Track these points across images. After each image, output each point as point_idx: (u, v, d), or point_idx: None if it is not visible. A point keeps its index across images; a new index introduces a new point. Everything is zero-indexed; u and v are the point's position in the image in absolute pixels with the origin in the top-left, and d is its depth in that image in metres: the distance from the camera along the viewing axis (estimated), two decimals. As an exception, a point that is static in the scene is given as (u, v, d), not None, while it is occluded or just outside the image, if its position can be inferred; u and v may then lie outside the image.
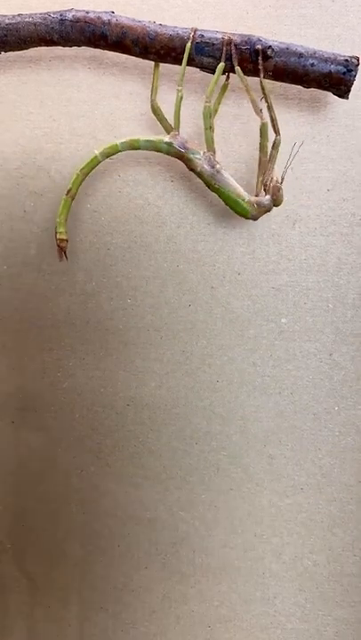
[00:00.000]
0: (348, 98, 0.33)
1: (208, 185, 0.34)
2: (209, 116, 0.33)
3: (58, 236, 0.35)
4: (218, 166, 0.34)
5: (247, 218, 0.34)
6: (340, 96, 0.33)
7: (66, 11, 0.33)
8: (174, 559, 0.38)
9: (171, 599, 0.39)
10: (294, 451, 0.37)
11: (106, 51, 0.34)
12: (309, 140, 0.36)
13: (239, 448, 0.38)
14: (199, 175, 0.34)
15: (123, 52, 0.34)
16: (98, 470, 0.39)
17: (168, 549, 0.38)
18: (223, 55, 0.32)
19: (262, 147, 0.33)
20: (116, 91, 0.36)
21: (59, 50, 0.36)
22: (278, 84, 0.34)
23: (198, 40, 0.32)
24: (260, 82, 0.32)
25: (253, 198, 0.34)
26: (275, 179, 0.34)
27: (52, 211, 0.37)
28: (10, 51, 0.35)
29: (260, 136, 0.33)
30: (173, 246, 0.37)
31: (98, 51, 0.35)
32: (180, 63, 0.33)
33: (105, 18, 0.33)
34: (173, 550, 0.38)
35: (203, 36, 0.32)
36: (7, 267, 0.38)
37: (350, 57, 0.32)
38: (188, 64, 0.33)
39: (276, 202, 0.34)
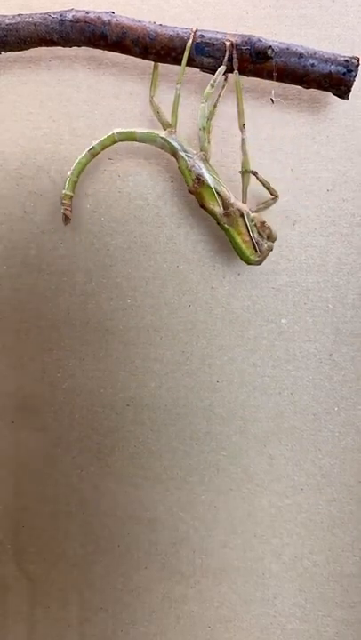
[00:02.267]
0: (348, 98, 0.33)
1: (217, 222, 0.35)
2: (204, 116, 0.33)
3: (63, 194, 0.35)
4: (207, 167, 0.34)
5: (250, 263, 0.35)
6: (340, 96, 0.33)
7: (66, 11, 0.33)
8: (174, 559, 0.38)
9: (171, 599, 0.39)
10: (294, 451, 0.37)
11: (106, 51, 0.34)
12: (309, 141, 0.36)
13: (239, 448, 0.38)
14: (211, 212, 0.35)
15: (123, 53, 0.34)
16: (98, 470, 0.39)
17: (168, 550, 0.38)
18: (225, 57, 0.32)
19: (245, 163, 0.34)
20: (116, 91, 0.36)
21: (59, 50, 0.36)
22: (278, 84, 0.34)
23: (198, 40, 0.32)
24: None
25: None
26: (258, 220, 0.34)
27: (52, 211, 0.37)
28: (10, 51, 0.35)
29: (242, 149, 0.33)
30: (173, 247, 0.37)
31: (97, 51, 0.35)
32: (180, 63, 0.33)
33: (105, 18, 0.33)
34: (173, 550, 0.38)
35: (203, 36, 0.32)
36: (7, 267, 0.38)
37: (350, 57, 0.32)
38: (188, 64, 0.33)
39: (271, 239, 0.34)
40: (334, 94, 0.33)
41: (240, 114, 0.33)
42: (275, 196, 0.34)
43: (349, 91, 0.33)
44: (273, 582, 0.38)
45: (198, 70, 0.33)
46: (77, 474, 0.39)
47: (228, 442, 0.38)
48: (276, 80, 0.33)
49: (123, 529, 0.39)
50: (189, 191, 0.34)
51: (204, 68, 0.33)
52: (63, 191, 0.35)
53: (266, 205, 0.34)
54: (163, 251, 0.37)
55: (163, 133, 0.34)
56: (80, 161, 0.34)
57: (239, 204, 0.34)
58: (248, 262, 0.35)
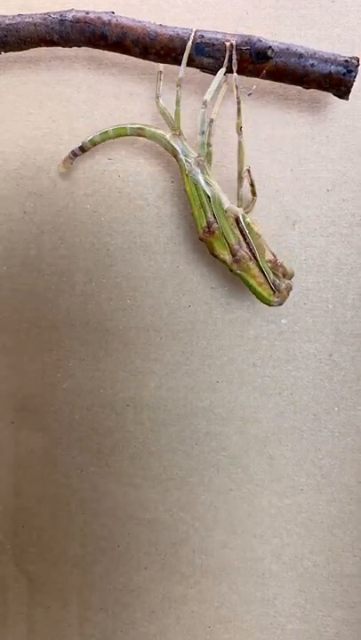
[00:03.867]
0: (348, 98, 0.33)
1: (230, 270, 0.35)
2: (204, 121, 0.33)
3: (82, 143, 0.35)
4: (204, 173, 0.34)
5: (271, 305, 0.35)
6: (340, 97, 0.33)
7: (66, 11, 0.33)
8: (174, 560, 0.38)
9: (170, 600, 0.39)
10: (294, 451, 0.37)
11: (105, 51, 0.34)
12: (309, 141, 0.36)
13: (239, 449, 0.38)
14: (222, 261, 0.35)
15: (123, 53, 0.33)
16: (97, 471, 0.39)
17: (168, 550, 0.38)
18: (225, 59, 0.32)
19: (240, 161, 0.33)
20: (116, 91, 0.36)
21: (58, 50, 0.36)
22: (278, 84, 0.34)
23: (198, 40, 0.32)
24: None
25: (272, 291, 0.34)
26: (272, 259, 0.34)
27: (52, 212, 0.37)
28: (10, 51, 0.35)
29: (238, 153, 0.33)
30: (173, 247, 0.37)
31: (97, 51, 0.35)
32: (179, 63, 0.33)
33: (105, 18, 0.33)
34: (173, 551, 0.38)
35: (203, 36, 0.32)
36: (7, 267, 0.38)
37: (350, 57, 0.32)
38: (189, 65, 0.33)
39: (287, 276, 0.34)
40: (334, 95, 0.33)
41: (238, 117, 0.33)
42: (254, 197, 0.34)
43: (349, 91, 0.33)
44: (273, 582, 0.38)
45: (198, 70, 0.33)
46: (77, 474, 0.39)
47: (228, 442, 0.38)
48: (277, 80, 0.33)
49: (123, 529, 0.39)
50: (200, 238, 0.35)
51: (204, 69, 0.33)
52: (82, 142, 0.35)
53: (250, 206, 0.34)
54: (163, 251, 0.37)
55: (168, 135, 0.34)
56: (105, 131, 0.35)
57: (240, 222, 0.34)
58: (269, 304, 0.34)
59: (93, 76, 0.36)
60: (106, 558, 0.39)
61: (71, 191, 0.37)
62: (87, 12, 0.33)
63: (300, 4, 0.35)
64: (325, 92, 0.34)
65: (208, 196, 0.34)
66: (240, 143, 0.33)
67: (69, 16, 0.33)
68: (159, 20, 0.33)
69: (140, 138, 0.35)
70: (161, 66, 0.34)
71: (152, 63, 0.34)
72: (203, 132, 0.33)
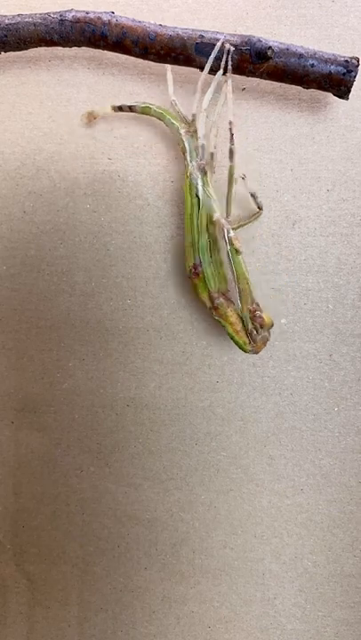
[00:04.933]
0: (348, 98, 0.33)
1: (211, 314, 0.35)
2: (203, 126, 0.33)
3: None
4: (203, 180, 0.34)
5: (246, 352, 0.35)
6: (340, 97, 0.33)
7: (66, 11, 0.33)
8: (174, 560, 0.38)
9: (170, 600, 0.39)
10: (294, 451, 0.37)
11: (105, 51, 0.34)
12: (309, 141, 0.36)
13: (239, 449, 0.38)
14: (203, 304, 0.35)
15: (123, 53, 0.33)
16: (97, 471, 0.39)
17: (168, 550, 0.38)
18: (223, 62, 0.32)
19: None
20: (116, 91, 0.36)
21: (58, 50, 0.36)
22: (278, 84, 0.34)
23: (198, 41, 0.32)
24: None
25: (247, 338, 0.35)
26: (252, 308, 0.34)
27: (52, 211, 0.37)
28: (10, 51, 0.35)
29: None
30: (173, 247, 0.37)
31: (97, 51, 0.35)
32: (179, 63, 0.33)
33: (105, 18, 0.33)
34: (173, 551, 0.38)
35: (203, 36, 0.32)
36: (6, 267, 0.38)
37: (350, 58, 0.32)
38: (188, 65, 0.33)
39: (265, 327, 0.34)
40: (334, 95, 0.33)
41: (231, 122, 0.33)
42: (259, 209, 0.34)
43: (349, 91, 0.33)
44: (273, 582, 0.38)
45: (198, 70, 0.33)
46: (77, 474, 0.39)
47: (228, 442, 0.38)
48: (277, 80, 0.33)
49: (122, 529, 0.39)
50: (188, 276, 0.35)
51: (203, 69, 0.33)
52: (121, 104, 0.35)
53: (251, 219, 0.34)
54: (163, 251, 0.37)
55: (183, 130, 0.34)
56: (135, 103, 0.35)
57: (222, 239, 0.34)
58: (244, 351, 0.35)
59: (93, 75, 0.36)
60: (106, 558, 0.39)
61: (71, 191, 0.37)
62: (87, 12, 0.33)
63: (299, 4, 0.35)
64: (325, 92, 0.34)
65: (199, 203, 0.34)
66: (231, 151, 0.33)
67: (69, 16, 0.33)
68: (159, 20, 0.33)
69: (142, 136, 0.36)
70: (168, 67, 0.34)
71: (152, 63, 0.34)
72: (203, 138, 0.33)
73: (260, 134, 0.36)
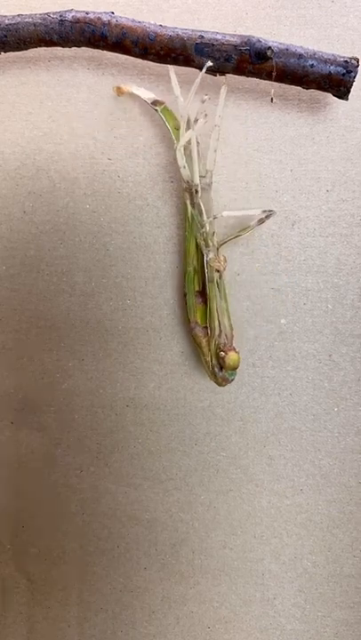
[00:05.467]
0: (347, 99, 0.33)
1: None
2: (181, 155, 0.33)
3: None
4: (192, 203, 0.34)
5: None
6: (339, 97, 0.33)
7: (65, 11, 0.33)
8: (174, 560, 0.38)
9: (170, 600, 0.39)
10: (294, 451, 0.37)
11: (105, 51, 0.34)
12: (309, 141, 0.36)
13: (238, 449, 0.38)
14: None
15: (123, 53, 0.33)
16: (97, 471, 0.39)
17: (167, 550, 0.38)
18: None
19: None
20: (114, 93, 0.36)
21: (58, 50, 0.36)
22: (278, 84, 0.34)
23: (198, 41, 0.32)
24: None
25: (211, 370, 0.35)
26: (222, 344, 0.34)
27: (52, 211, 0.37)
28: (9, 51, 0.35)
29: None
30: (173, 247, 0.37)
31: (97, 51, 0.35)
32: (179, 64, 0.33)
33: (105, 18, 0.33)
34: (173, 551, 0.38)
35: (202, 37, 0.32)
36: (6, 267, 0.38)
37: (350, 58, 0.32)
38: (188, 65, 0.33)
39: (225, 368, 0.34)
40: (334, 95, 0.33)
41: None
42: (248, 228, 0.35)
43: (349, 91, 0.32)
44: (273, 583, 0.38)
45: (198, 71, 0.33)
46: (77, 474, 0.39)
47: (227, 442, 0.38)
48: (276, 81, 0.33)
49: (122, 529, 0.39)
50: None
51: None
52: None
53: (234, 236, 0.35)
54: (162, 251, 0.37)
55: (181, 143, 0.33)
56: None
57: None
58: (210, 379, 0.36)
59: (93, 76, 0.36)
60: (105, 558, 0.39)
61: (71, 191, 0.37)
62: (87, 13, 0.33)
63: (299, 5, 0.35)
64: (325, 93, 0.34)
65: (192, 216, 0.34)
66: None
67: (69, 16, 0.33)
68: (159, 20, 0.33)
69: (142, 136, 0.36)
70: (171, 67, 0.34)
71: (151, 63, 0.34)
72: (184, 161, 0.33)
73: (259, 135, 0.36)
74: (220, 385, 0.35)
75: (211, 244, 0.34)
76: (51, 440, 0.39)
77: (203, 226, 0.34)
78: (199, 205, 0.34)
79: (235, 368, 0.34)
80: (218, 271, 0.34)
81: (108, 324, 0.38)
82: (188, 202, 0.34)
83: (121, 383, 0.38)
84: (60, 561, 0.39)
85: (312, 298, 0.36)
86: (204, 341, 0.35)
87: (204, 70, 0.32)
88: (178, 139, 0.34)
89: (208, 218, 0.34)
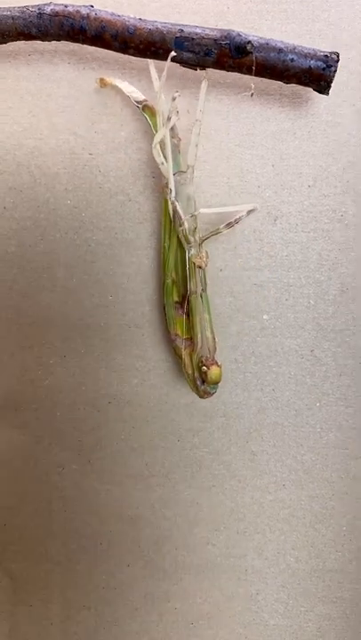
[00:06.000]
0: (328, 94, 0.33)
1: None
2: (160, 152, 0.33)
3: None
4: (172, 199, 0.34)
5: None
6: (320, 92, 0.33)
7: (44, 4, 0.33)
8: (157, 557, 0.38)
9: (153, 597, 0.39)
10: (276, 447, 0.37)
11: (86, 45, 0.34)
12: (291, 136, 0.35)
13: (221, 445, 0.37)
14: None
15: (102, 47, 0.33)
16: (79, 468, 0.38)
17: (150, 547, 0.38)
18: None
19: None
20: (97, 86, 0.36)
21: (38, 44, 0.35)
22: (259, 79, 0.34)
23: (178, 35, 0.32)
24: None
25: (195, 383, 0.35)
26: (204, 358, 0.34)
27: (32, 207, 0.37)
28: (-12, 45, 0.34)
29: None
30: (155, 243, 0.37)
31: (78, 45, 0.35)
32: (159, 58, 0.33)
33: (84, 12, 0.32)
34: (156, 548, 0.38)
35: (182, 30, 0.32)
36: (-13, 263, 0.38)
37: (330, 52, 0.32)
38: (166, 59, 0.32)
39: (207, 382, 0.34)
40: (314, 90, 0.33)
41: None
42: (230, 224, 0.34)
43: (329, 86, 0.32)
44: (256, 578, 0.38)
45: (178, 65, 0.33)
46: (59, 472, 0.39)
47: (210, 438, 0.38)
48: (257, 75, 0.33)
49: (105, 527, 0.38)
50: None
51: (183, 63, 0.33)
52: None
53: (213, 233, 0.34)
54: (145, 247, 0.37)
55: (159, 135, 0.33)
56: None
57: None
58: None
59: (74, 70, 0.36)
60: (88, 556, 0.39)
61: (52, 186, 0.37)
62: (66, 6, 0.32)
63: (280, -1, 0.35)
64: (306, 88, 0.34)
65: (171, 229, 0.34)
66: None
67: (48, 9, 0.32)
68: (139, 14, 0.33)
69: (124, 131, 0.36)
70: (151, 63, 0.33)
71: (133, 58, 0.34)
72: (162, 163, 0.33)
73: (241, 130, 0.35)
74: (201, 397, 0.35)
75: (192, 240, 0.34)
76: (32, 438, 0.38)
77: (181, 224, 0.34)
78: (174, 203, 0.34)
79: (217, 382, 0.34)
80: (200, 267, 0.34)
81: (90, 321, 0.37)
82: (169, 198, 0.34)
83: (103, 380, 0.38)
84: (43, 559, 0.39)
85: (294, 293, 0.36)
86: (185, 353, 0.35)
87: (168, 61, 0.32)
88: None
89: (186, 215, 0.34)
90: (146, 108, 0.35)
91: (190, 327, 0.35)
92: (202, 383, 0.34)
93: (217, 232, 0.34)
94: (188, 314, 0.35)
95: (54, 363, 0.38)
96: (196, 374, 0.34)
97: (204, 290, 0.34)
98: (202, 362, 0.34)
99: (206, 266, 0.34)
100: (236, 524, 0.38)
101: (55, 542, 0.39)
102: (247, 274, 0.36)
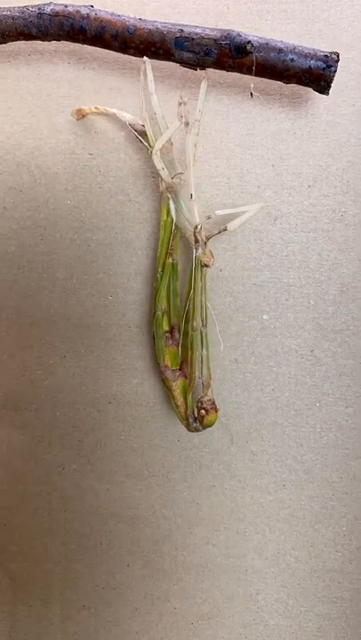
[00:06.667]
0: (328, 94, 0.33)
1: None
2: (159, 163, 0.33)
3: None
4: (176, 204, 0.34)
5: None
6: (320, 92, 0.33)
7: (44, 4, 0.33)
8: (156, 557, 0.38)
9: (153, 597, 0.39)
10: (276, 447, 0.37)
11: (86, 45, 0.34)
12: (291, 136, 0.35)
13: (221, 445, 0.37)
14: None
15: (102, 47, 0.33)
16: (79, 468, 0.38)
17: (150, 547, 0.38)
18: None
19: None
20: (96, 86, 0.36)
21: (38, 44, 0.35)
22: (259, 79, 0.34)
23: (178, 35, 0.32)
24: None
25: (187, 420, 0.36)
26: (204, 403, 0.35)
27: (32, 207, 0.37)
28: (-12, 45, 0.34)
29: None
30: (155, 243, 0.37)
31: (77, 45, 0.35)
32: (159, 58, 0.33)
33: (84, 12, 0.32)
34: (156, 548, 0.38)
35: (182, 30, 0.32)
36: (-13, 263, 0.38)
37: (330, 52, 0.32)
38: (168, 59, 0.32)
39: (202, 424, 0.35)
40: (314, 90, 0.33)
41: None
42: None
43: (329, 86, 0.32)
44: (256, 578, 0.38)
45: (178, 65, 0.33)
46: (59, 472, 0.39)
47: (210, 438, 0.37)
48: (257, 75, 0.33)
49: (105, 527, 0.38)
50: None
51: (183, 63, 0.33)
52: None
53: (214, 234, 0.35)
54: (144, 247, 0.37)
55: (155, 148, 0.33)
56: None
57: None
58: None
59: (74, 70, 0.36)
60: (88, 556, 0.39)
61: (51, 186, 0.37)
62: (66, 6, 0.32)
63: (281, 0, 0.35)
64: (306, 88, 0.34)
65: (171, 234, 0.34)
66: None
67: (48, 9, 0.32)
68: (139, 14, 0.33)
69: (124, 131, 0.36)
70: (147, 60, 0.33)
71: (132, 58, 0.34)
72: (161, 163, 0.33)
73: (241, 130, 0.35)
74: (189, 430, 0.36)
75: (200, 238, 0.34)
76: (32, 438, 0.38)
77: (184, 229, 0.34)
78: (180, 204, 0.34)
79: (211, 426, 0.35)
80: (207, 266, 0.34)
81: (90, 321, 0.37)
82: (171, 203, 0.34)
83: (103, 380, 0.38)
84: (42, 559, 0.39)
85: (294, 293, 0.36)
86: (174, 385, 0.35)
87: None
88: (149, 144, 0.34)
89: (197, 218, 0.34)
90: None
91: (190, 363, 0.35)
92: (194, 421, 0.35)
93: (224, 230, 0.34)
94: (179, 344, 0.35)
95: (54, 363, 0.38)
96: (190, 412, 0.35)
97: (204, 326, 0.34)
98: (202, 403, 0.34)
99: (212, 265, 0.34)
100: (236, 523, 0.38)
101: (55, 542, 0.39)
102: (247, 274, 0.36)
